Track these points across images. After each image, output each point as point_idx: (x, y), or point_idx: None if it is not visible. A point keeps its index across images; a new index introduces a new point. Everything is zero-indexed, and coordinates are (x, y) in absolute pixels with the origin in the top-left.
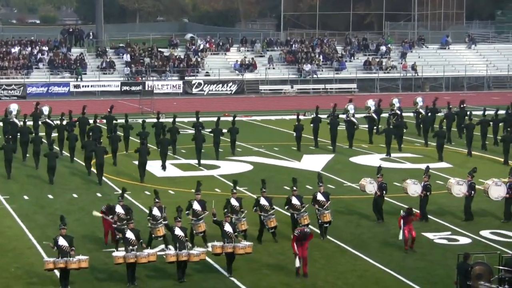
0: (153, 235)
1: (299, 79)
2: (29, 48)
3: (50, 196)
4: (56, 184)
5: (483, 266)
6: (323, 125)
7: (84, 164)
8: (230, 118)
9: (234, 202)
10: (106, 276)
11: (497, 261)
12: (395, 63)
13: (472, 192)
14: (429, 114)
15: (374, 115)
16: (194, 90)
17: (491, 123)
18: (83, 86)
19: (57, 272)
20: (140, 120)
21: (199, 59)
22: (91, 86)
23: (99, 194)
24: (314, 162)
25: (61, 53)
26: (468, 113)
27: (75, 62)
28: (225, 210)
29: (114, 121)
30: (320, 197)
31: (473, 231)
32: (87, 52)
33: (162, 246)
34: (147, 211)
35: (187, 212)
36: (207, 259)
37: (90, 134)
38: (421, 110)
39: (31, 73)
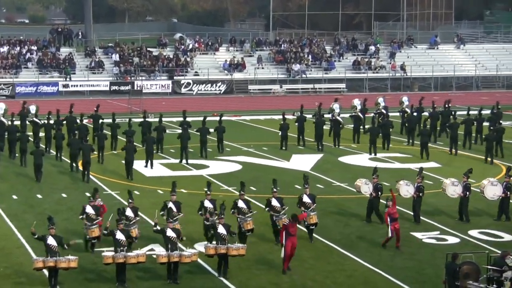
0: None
1: (288, 79)
2: (18, 48)
3: (39, 196)
4: (44, 184)
5: (471, 265)
6: (309, 124)
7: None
8: (217, 118)
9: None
10: (95, 276)
11: (486, 261)
12: (384, 63)
13: (467, 193)
14: (415, 113)
15: (360, 114)
16: (183, 90)
17: (475, 122)
18: (72, 86)
19: (46, 272)
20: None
21: (188, 59)
22: (80, 85)
23: (88, 194)
24: (303, 162)
25: (50, 53)
26: (452, 112)
27: (64, 62)
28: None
29: (101, 120)
30: (306, 199)
31: (462, 230)
32: (76, 52)
33: (151, 246)
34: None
35: (162, 212)
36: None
37: (76, 132)
38: (407, 109)
39: (20, 73)
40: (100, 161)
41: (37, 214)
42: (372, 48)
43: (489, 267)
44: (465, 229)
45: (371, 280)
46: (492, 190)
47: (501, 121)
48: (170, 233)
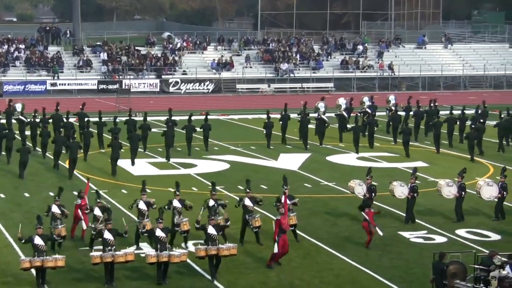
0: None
1: (276, 78)
2: (6, 46)
3: (26, 194)
4: (32, 182)
5: (458, 265)
6: (294, 122)
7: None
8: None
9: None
10: (83, 275)
11: (473, 260)
12: (372, 63)
13: (463, 193)
14: (404, 112)
15: (344, 113)
16: (171, 89)
17: (458, 121)
18: (60, 85)
19: (33, 271)
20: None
21: (176, 58)
22: (68, 84)
23: (75, 193)
24: (291, 161)
25: (38, 51)
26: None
27: (52, 60)
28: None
29: (87, 118)
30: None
31: (449, 230)
32: (64, 50)
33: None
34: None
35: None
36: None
37: (62, 130)
38: (393, 108)
39: (8, 71)
40: (85, 159)
41: (24, 212)
42: (360, 47)
43: (476, 266)
44: (453, 229)
45: (358, 279)
46: (489, 190)
47: (482, 120)
48: (159, 233)
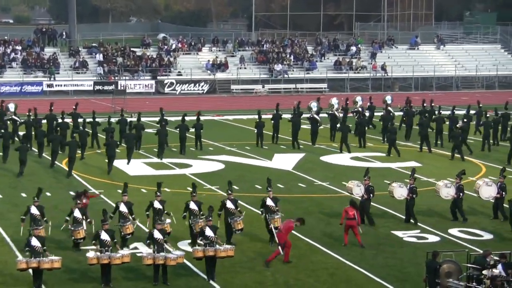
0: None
1: (270, 79)
2: (3, 48)
3: (24, 195)
4: (29, 182)
5: (452, 264)
6: (286, 122)
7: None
8: (201, 117)
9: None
10: (80, 275)
11: (465, 259)
12: (365, 63)
13: (461, 194)
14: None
15: (337, 113)
16: (167, 90)
17: (446, 120)
18: (56, 86)
19: (31, 272)
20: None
21: (171, 59)
22: (64, 85)
23: (72, 193)
24: (285, 161)
25: (34, 53)
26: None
27: (48, 62)
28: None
29: (81, 118)
30: (269, 202)
31: (442, 229)
32: (60, 52)
33: (135, 244)
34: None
35: (112, 215)
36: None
37: (58, 129)
38: (389, 109)
39: (4, 72)
40: (82, 157)
41: (21, 213)
42: (353, 48)
43: (469, 265)
44: (446, 228)
45: (353, 278)
46: (488, 190)
47: (466, 120)
48: (157, 234)
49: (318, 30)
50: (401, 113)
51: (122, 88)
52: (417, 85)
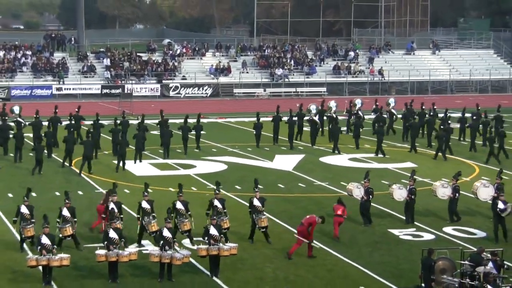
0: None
1: (272, 83)
2: (13, 53)
3: (34, 194)
4: (39, 183)
5: (446, 261)
6: (284, 124)
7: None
8: (204, 120)
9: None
10: (88, 272)
11: (459, 256)
12: (363, 68)
13: (457, 194)
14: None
15: (334, 115)
16: (171, 93)
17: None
18: (65, 89)
19: (40, 269)
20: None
21: (176, 64)
22: (73, 89)
23: (80, 192)
24: (286, 162)
25: (44, 57)
26: (413, 113)
27: (58, 66)
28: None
29: (83, 120)
30: (256, 202)
31: (437, 227)
32: (69, 57)
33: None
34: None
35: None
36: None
37: (72, 130)
38: (393, 111)
39: (15, 76)
40: (96, 157)
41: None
42: (352, 53)
43: (466, 262)
44: (440, 226)
45: (350, 274)
46: (486, 191)
47: (449, 122)
48: (166, 233)
49: (317, 36)
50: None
51: (128, 91)
52: (413, 89)
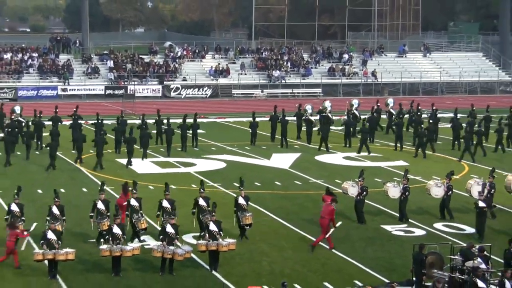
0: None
1: (269, 84)
2: (20, 55)
3: (40, 191)
4: (45, 180)
5: (436, 255)
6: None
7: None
8: (204, 119)
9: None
10: (92, 265)
11: (449, 251)
12: (357, 70)
13: (450, 192)
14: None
15: (330, 115)
16: (173, 94)
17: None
18: (70, 90)
19: (46, 263)
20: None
21: (177, 65)
22: (78, 89)
23: (84, 189)
24: (283, 160)
25: (49, 59)
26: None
27: (63, 68)
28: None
29: (81, 120)
30: (241, 200)
31: (427, 224)
32: (74, 59)
33: (142, 237)
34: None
35: (92, 214)
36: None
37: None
38: (392, 111)
39: (22, 78)
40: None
41: (38, 207)
42: (346, 56)
43: (456, 257)
44: (431, 223)
45: (343, 268)
46: (478, 189)
47: (432, 121)
48: (169, 228)
49: (313, 39)
50: (407, 116)
51: (131, 92)
52: (405, 90)
